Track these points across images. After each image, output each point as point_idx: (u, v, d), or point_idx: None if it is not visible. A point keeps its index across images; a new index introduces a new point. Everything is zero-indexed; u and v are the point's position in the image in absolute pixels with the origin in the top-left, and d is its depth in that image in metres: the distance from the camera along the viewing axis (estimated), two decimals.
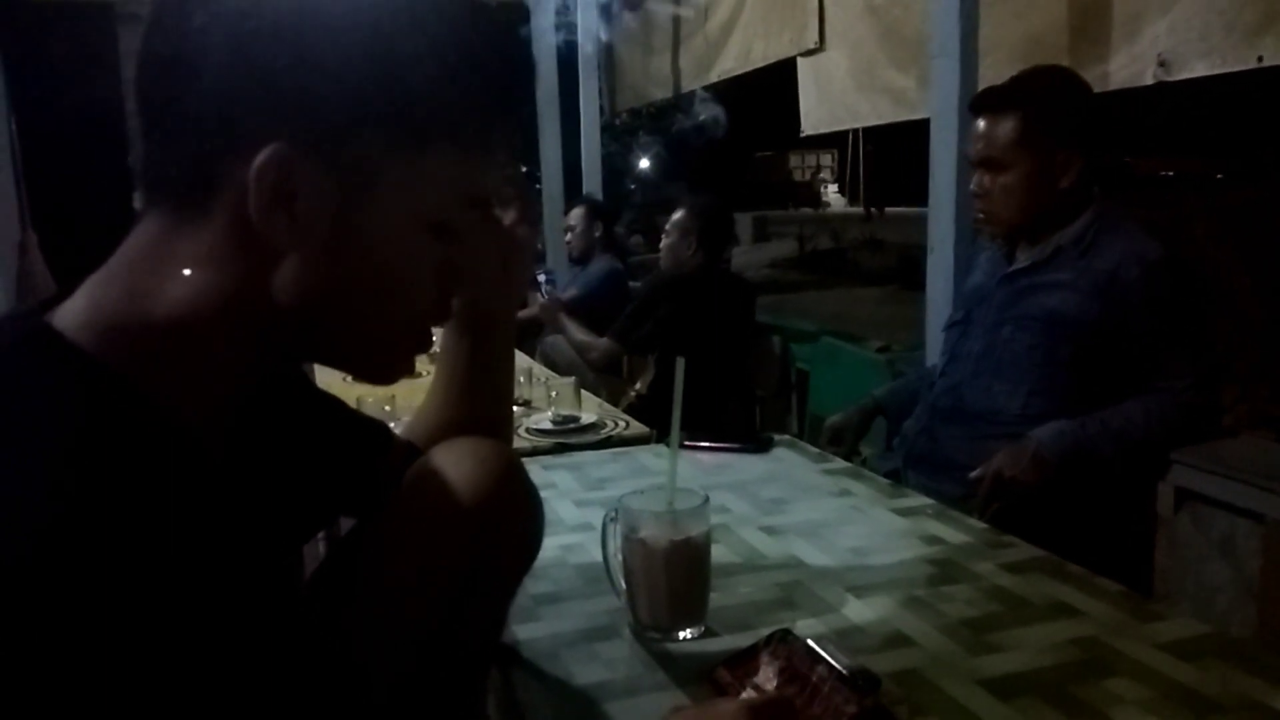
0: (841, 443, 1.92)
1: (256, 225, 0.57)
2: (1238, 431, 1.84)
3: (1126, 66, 2.28)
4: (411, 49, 0.59)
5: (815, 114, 3.55)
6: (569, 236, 4.18)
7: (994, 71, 2.33)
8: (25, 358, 0.54)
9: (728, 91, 4.56)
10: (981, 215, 1.80)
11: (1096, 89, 2.46)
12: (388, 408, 1.95)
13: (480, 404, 0.96)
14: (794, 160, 40.76)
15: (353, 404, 2.01)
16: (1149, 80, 2.25)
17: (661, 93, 4.87)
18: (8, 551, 0.44)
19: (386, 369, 0.69)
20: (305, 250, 0.59)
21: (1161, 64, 2.20)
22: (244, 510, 0.62)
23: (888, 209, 24.58)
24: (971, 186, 1.80)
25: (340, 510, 0.84)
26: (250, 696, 0.52)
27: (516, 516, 0.86)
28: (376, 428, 0.92)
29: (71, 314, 0.57)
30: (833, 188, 38.25)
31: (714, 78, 4.24)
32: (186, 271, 0.58)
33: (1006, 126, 1.70)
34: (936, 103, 2.43)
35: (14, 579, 0.44)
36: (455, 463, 0.84)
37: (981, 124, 1.75)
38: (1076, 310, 1.64)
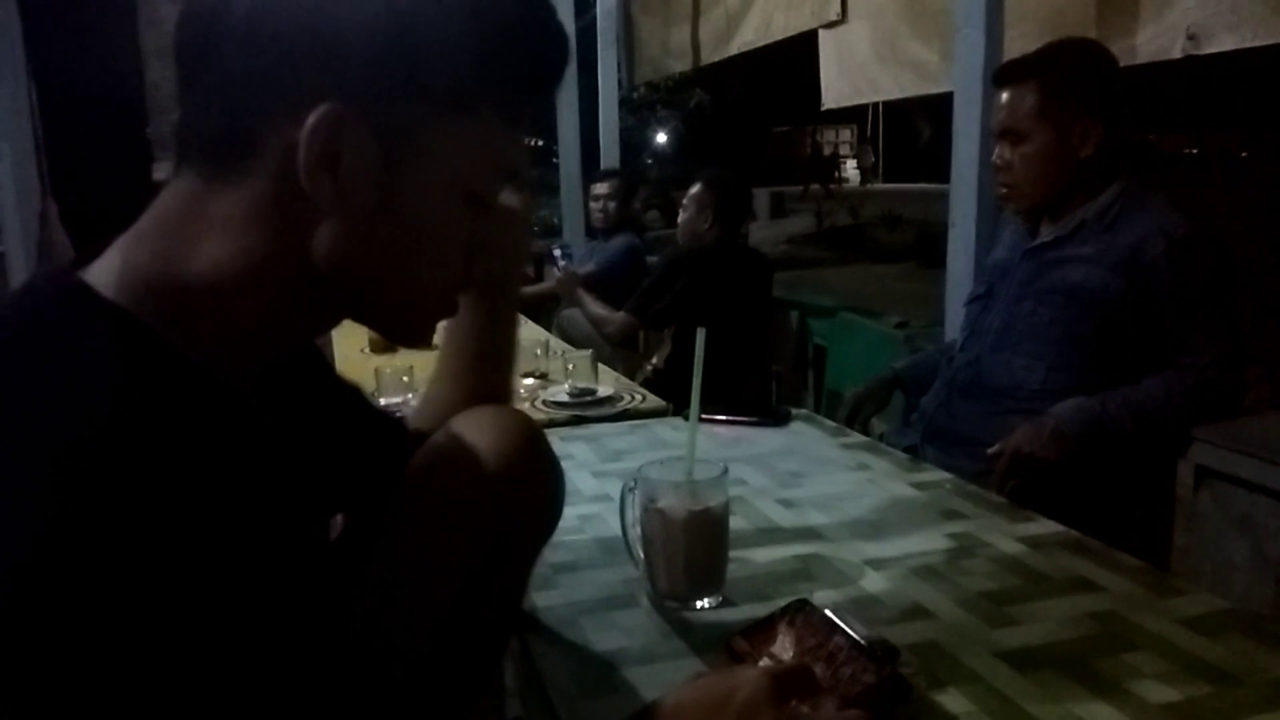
0: (860, 414, 1.91)
1: (304, 185, 0.57)
2: (1261, 410, 1.82)
3: (1154, 39, 2.24)
4: (466, 15, 0.59)
5: (836, 87, 3.52)
6: (599, 207, 4.12)
7: (1020, 44, 2.30)
8: (63, 312, 0.54)
9: (747, 65, 4.52)
10: (1004, 189, 1.79)
11: (1124, 62, 2.42)
12: (405, 378, 1.96)
13: (491, 375, 0.97)
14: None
15: (370, 374, 2.03)
16: (1177, 54, 2.21)
17: (680, 65, 4.83)
18: (59, 501, 0.44)
19: (418, 332, 0.69)
20: (346, 213, 0.59)
21: (1190, 37, 2.17)
22: (275, 473, 0.63)
23: (901, 185, 24.36)
24: (994, 159, 1.79)
25: (356, 501, 0.84)
26: (275, 659, 0.52)
27: (539, 485, 0.86)
28: (396, 426, 0.92)
29: (102, 273, 0.57)
30: (851, 163, 37.93)
31: (734, 50, 4.19)
32: (220, 231, 0.58)
33: (1026, 97, 1.69)
34: (960, 76, 2.40)
35: (65, 529, 0.44)
36: (477, 432, 0.85)
37: (1004, 95, 1.74)
38: (1099, 285, 1.62)
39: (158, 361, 0.53)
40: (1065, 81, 1.68)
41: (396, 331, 0.69)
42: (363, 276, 0.62)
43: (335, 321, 0.67)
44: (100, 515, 0.45)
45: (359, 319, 0.67)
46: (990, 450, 1.59)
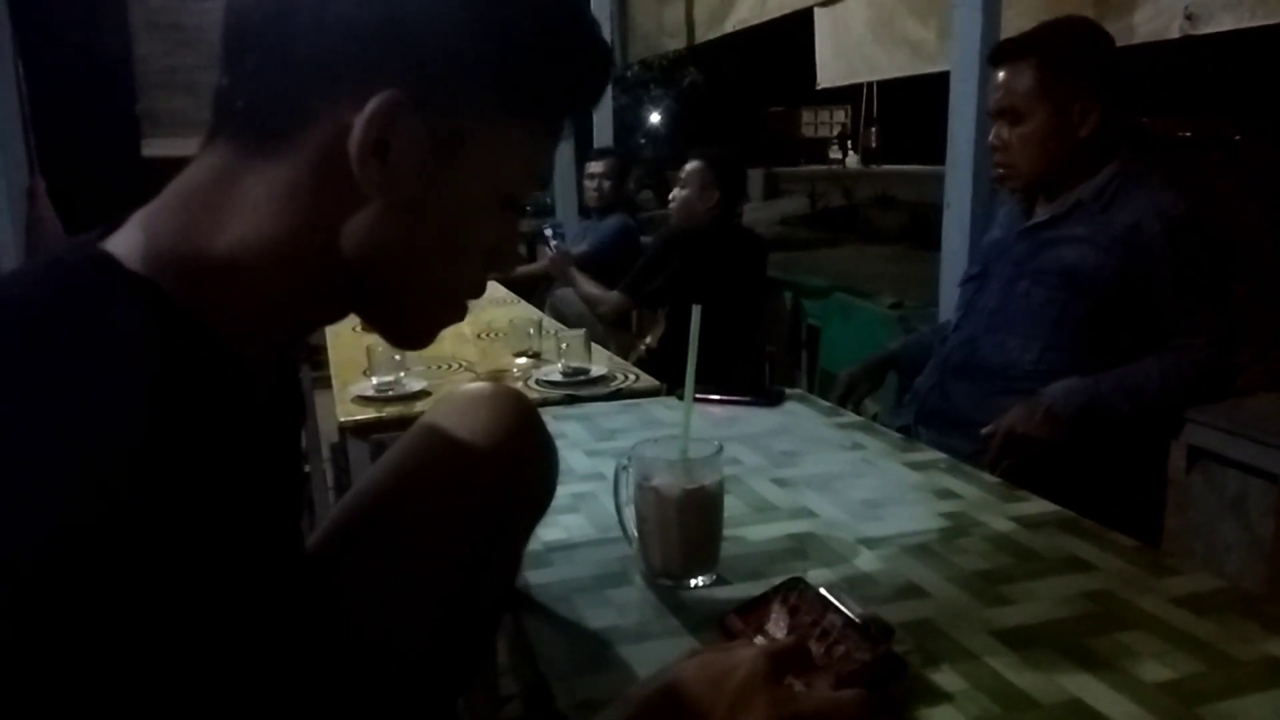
0: (854, 393, 1.91)
1: (353, 167, 0.56)
2: (1254, 392, 1.82)
3: (1152, 19, 2.23)
4: (530, 28, 0.60)
5: (832, 66, 3.50)
6: (594, 186, 4.08)
7: (1016, 23, 2.29)
8: (93, 284, 0.53)
9: (742, 45, 4.48)
10: (1001, 169, 1.78)
11: (1120, 42, 2.41)
12: (398, 356, 1.95)
13: None
14: (806, 117, 40.33)
15: (363, 352, 2.02)
16: (1175, 33, 2.20)
17: (675, 43, 4.79)
18: (87, 472, 0.44)
19: (423, 333, 0.69)
20: (386, 200, 0.58)
21: (1188, 17, 2.15)
22: (281, 457, 0.62)
23: (894, 166, 24.35)
24: (990, 139, 1.78)
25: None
26: (281, 643, 0.51)
27: (534, 462, 0.86)
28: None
29: (125, 245, 0.55)
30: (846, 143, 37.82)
31: (729, 28, 4.16)
32: (250, 208, 0.57)
33: (1024, 76, 1.68)
34: (957, 54, 2.39)
35: (99, 506, 0.43)
36: (471, 409, 0.84)
37: (1000, 75, 1.73)
38: (1094, 265, 1.62)
39: (183, 335, 0.52)
40: (1064, 60, 1.67)
41: (403, 329, 0.69)
42: (387, 268, 0.61)
43: (342, 315, 0.66)
44: (136, 494, 0.44)
45: (367, 314, 0.67)
46: (984, 430, 1.60)
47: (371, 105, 0.56)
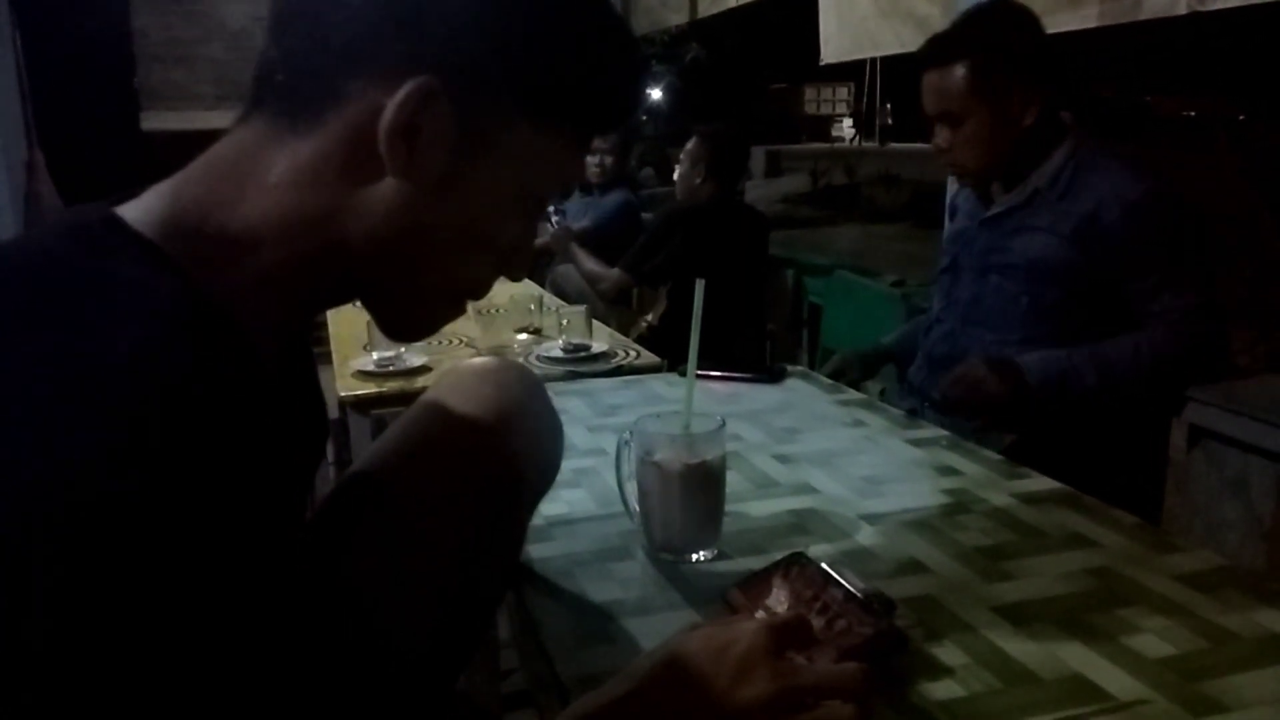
0: (844, 375, 1.89)
1: (380, 146, 0.57)
2: (1256, 371, 1.82)
3: None
4: (573, 39, 0.62)
5: (835, 42, 3.46)
6: (596, 162, 4.05)
7: None
8: (95, 240, 0.53)
9: (744, 20, 4.45)
10: (951, 169, 1.75)
11: (1127, 19, 2.39)
12: None
13: None
14: (809, 93, 40.11)
15: (363, 326, 2.02)
16: (1182, 9, 2.18)
17: (677, 18, 4.76)
18: (98, 441, 0.43)
19: (421, 325, 0.69)
20: (410, 184, 0.59)
21: None
22: (287, 441, 0.62)
23: (899, 144, 24.22)
24: (934, 141, 1.73)
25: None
26: (288, 624, 0.51)
27: (538, 436, 0.86)
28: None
29: (140, 209, 0.56)
30: (848, 122, 37.64)
31: (732, 2, 4.13)
32: (273, 183, 0.58)
33: (955, 77, 1.62)
34: None
35: (106, 468, 0.43)
36: (476, 384, 0.84)
37: (931, 78, 1.67)
38: (1059, 256, 1.58)
39: (194, 308, 0.52)
40: (994, 54, 1.61)
41: (403, 321, 0.69)
42: (400, 255, 0.61)
43: (347, 300, 0.66)
44: (152, 468, 0.43)
45: (370, 300, 0.67)
46: (948, 378, 1.57)
47: (405, 89, 0.56)
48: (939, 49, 1.67)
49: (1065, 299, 1.60)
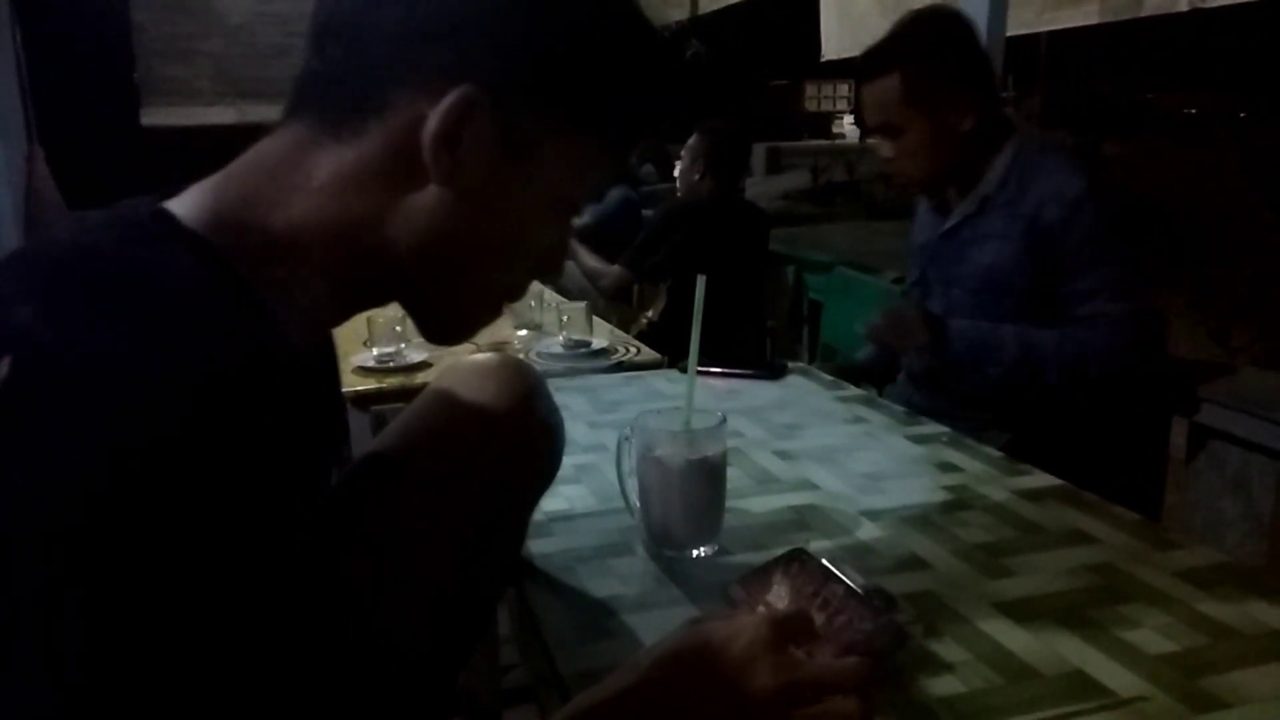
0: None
1: (424, 153, 0.57)
2: (1257, 368, 1.82)
3: None
4: (616, 54, 0.63)
5: (837, 38, 3.47)
6: None
7: None
8: (146, 233, 0.53)
9: (745, 16, 4.45)
10: (897, 179, 1.74)
11: (1129, 16, 2.39)
12: (399, 327, 1.94)
13: None
14: (810, 90, 40.05)
15: (363, 322, 2.01)
16: (1184, 7, 2.18)
17: (678, 14, 4.75)
18: (141, 425, 0.43)
19: (461, 328, 0.69)
20: (451, 191, 0.59)
21: None
22: (308, 434, 0.63)
23: None
24: (879, 152, 1.72)
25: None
26: (290, 612, 0.51)
27: (540, 432, 0.86)
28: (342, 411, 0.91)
29: (185, 205, 0.56)
30: (848, 119, 37.60)
31: None
32: (316, 187, 0.58)
33: (890, 89, 1.61)
34: None
35: (146, 449, 0.43)
36: (478, 380, 0.84)
37: (867, 91, 1.66)
38: (1010, 262, 1.57)
39: (234, 295, 0.53)
40: (927, 64, 1.60)
41: (443, 324, 0.69)
42: (440, 260, 0.62)
43: (384, 302, 0.67)
44: (169, 457, 0.43)
45: (410, 305, 0.67)
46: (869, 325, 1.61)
47: (450, 98, 0.57)
48: (872, 62, 1.67)
49: (1019, 306, 1.58)
